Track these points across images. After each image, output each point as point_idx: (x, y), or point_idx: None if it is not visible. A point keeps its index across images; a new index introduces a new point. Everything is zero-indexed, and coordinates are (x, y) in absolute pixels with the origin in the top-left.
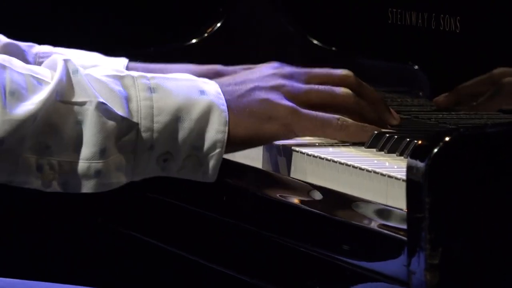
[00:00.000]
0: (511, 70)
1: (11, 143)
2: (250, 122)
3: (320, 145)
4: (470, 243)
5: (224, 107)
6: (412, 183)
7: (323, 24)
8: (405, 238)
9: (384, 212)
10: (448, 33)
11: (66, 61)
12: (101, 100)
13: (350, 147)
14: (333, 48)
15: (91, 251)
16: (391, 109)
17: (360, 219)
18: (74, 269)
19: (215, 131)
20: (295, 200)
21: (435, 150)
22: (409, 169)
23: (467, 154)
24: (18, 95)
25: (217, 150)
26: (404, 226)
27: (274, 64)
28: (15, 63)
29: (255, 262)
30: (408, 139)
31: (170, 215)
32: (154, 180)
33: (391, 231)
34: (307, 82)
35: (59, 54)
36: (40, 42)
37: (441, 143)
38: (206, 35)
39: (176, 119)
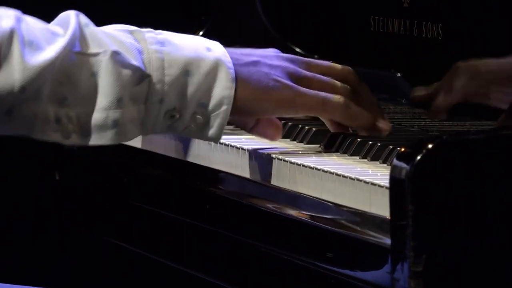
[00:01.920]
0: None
1: (31, 91)
2: (255, 89)
3: (303, 153)
4: (454, 250)
5: (231, 65)
6: (395, 191)
7: (305, 31)
8: (388, 246)
9: (367, 220)
10: (430, 40)
11: (77, 14)
12: (115, 49)
13: (333, 155)
14: (316, 56)
15: (74, 260)
16: (385, 116)
17: (343, 227)
18: (56, 277)
19: (222, 87)
20: (279, 208)
21: (418, 157)
22: (392, 176)
23: (450, 161)
24: (36, 45)
25: (224, 107)
26: (388, 234)
27: (276, 50)
28: (29, 19)
29: (239, 270)
30: (391, 147)
31: (153, 224)
32: (138, 189)
33: (374, 239)
34: (309, 70)
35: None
36: None
37: (424, 150)
38: None
39: (185, 72)
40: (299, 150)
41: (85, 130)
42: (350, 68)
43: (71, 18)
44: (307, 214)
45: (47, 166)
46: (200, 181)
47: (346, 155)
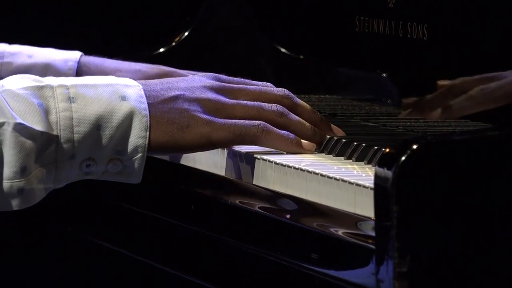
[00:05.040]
0: (472, 79)
1: None
2: (169, 129)
3: (288, 153)
4: (438, 251)
5: (146, 112)
6: (380, 191)
7: (290, 32)
8: (373, 247)
9: (352, 221)
10: (415, 40)
11: None
12: (19, 120)
13: (319, 155)
14: (301, 56)
15: (59, 260)
16: (335, 127)
17: (328, 228)
18: (41, 277)
19: (136, 136)
20: (264, 209)
21: (403, 158)
22: (377, 177)
23: (435, 162)
24: None
25: (139, 155)
26: (372, 235)
27: (210, 75)
28: None
29: (223, 270)
30: (376, 147)
31: (138, 224)
32: (122, 190)
33: (359, 240)
34: (236, 98)
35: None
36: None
37: (408, 151)
38: (174, 44)
39: (96, 127)
40: (284, 151)
41: None
42: (285, 92)
43: None
44: (292, 215)
45: None
46: (185, 181)
47: (331, 155)
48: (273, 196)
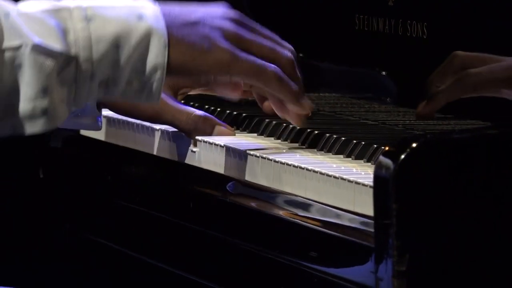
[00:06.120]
0: (471, 56)
1: None
2: (189, 51)
3: (288, 152)
4: (437, 249)
5: (163, 31)
6: (379, 190)
7: (290, 30)
8: (372, 245)
9: (351, 219)
10: (415, 39)
11: None
12: (36, 41)
13: (318, 153)
14: (300, 55)
15: (57, 258)
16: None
17: (327, 226)
18: (39, 275)
19: (155, 55)
20: (263, 207)
21: (402, 156)
22: (376, 175)
23: (434, 160)
24: None
25: (158, 73)
26: (372, 233)
27: (226, 6)
28: None
29: (222, 268)
30: (375, 146)
31: (137, 222)
32: (122, 187)
33: (358, 238)
34: (253, 32)
35: None
36: None
37: (408, 149)
38: None
39: (115, 46)
40: (283, 149)
41: (14, 120)
42: (291, 56)
43: None
44: (291, 213)
45: (31, 163)
46: (184, 179)
47: (330, 153)
48: (272, 194)
